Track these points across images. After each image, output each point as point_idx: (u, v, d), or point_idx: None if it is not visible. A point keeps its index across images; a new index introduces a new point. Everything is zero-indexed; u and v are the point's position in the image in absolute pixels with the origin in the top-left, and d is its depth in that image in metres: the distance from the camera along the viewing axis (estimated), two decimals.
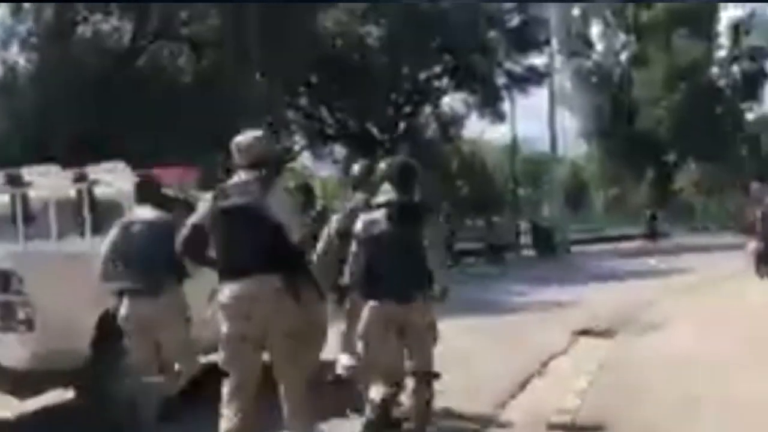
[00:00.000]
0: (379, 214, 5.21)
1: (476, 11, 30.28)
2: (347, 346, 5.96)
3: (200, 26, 24.38)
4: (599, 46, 50.46)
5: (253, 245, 4.54)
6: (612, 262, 24.83)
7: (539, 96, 39.20)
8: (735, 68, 48.33)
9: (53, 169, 7.34)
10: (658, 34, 46.82)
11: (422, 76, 32.92)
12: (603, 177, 54.60)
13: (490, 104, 32.41)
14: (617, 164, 52.02)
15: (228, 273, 4.63)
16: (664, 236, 38.52)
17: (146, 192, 6.36)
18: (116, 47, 23.88)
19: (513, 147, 37.52)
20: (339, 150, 35.18)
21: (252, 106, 25.08)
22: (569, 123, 50.91)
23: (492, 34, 32.31)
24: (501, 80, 33.15)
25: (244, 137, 4.86)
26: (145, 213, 6.15)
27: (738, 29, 47.44)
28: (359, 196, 6.10)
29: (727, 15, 48.22)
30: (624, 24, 49.02)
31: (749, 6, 47.18)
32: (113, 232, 6.10)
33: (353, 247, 5.28)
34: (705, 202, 55.45)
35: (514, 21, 32.42)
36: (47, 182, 7.07)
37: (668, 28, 46.29)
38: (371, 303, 5.15)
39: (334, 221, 6.11)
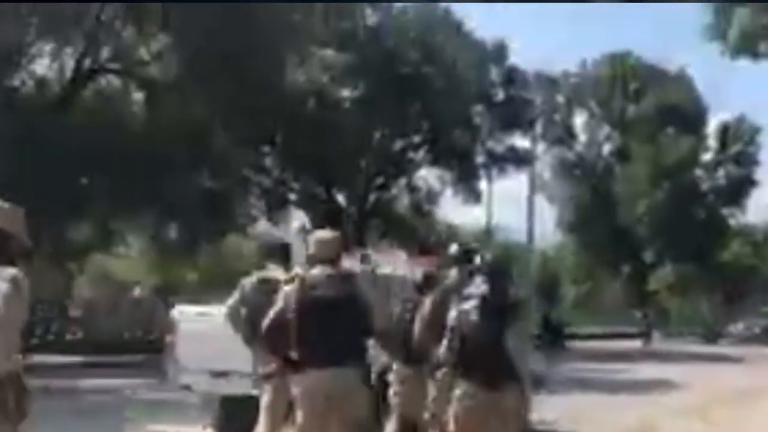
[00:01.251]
0: (470, 306, 5.49)
1: (461, 81, 28.37)
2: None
3: (158, 69, 22.21)
4: (582, 137, 48.93)
5: (343, 337, 5.01)
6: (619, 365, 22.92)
7: (517, 181, 37.26)
8: (720, 172, 46.76)
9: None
10: (643, 130, 45.42)
11: (398, 145, 30.76)
12: (577, 271, 52.48)
13: (466, 180, 30.22)
14: (593, 259, 50.11)
15: (313, 362, 4.97)
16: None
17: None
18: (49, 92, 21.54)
19: (488, 231, 35.45)
20: (300, 217, 32.85)
21: (209, 160, 22.89)
22: (548, 213, 49.22)
23: (477, 108, 30.41)
24: (480, 158, 31.09)
25: (324, 233, 5.59)
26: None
27: (726, 132, 46.08)
28: (453, 276, 6.54)
29: (716, 117, 46.67)
30: (609, 116, 47.63)
31: (738, 110, 46.05)
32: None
33: (447, 333, 5.56)
34: (680, 306, 53.73)
35: (499, 96, 30.43)
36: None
37: (655, 124, 44.97)
38: (463, 387, 5.37)
39: (428, 303, 6.45)
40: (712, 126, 46.76)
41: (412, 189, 31.37)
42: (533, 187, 36.04)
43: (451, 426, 5.34)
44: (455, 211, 52.69)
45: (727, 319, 55.39)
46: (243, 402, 7.11)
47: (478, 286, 5.51)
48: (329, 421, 4.92)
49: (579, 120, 48.65)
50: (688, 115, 44.72)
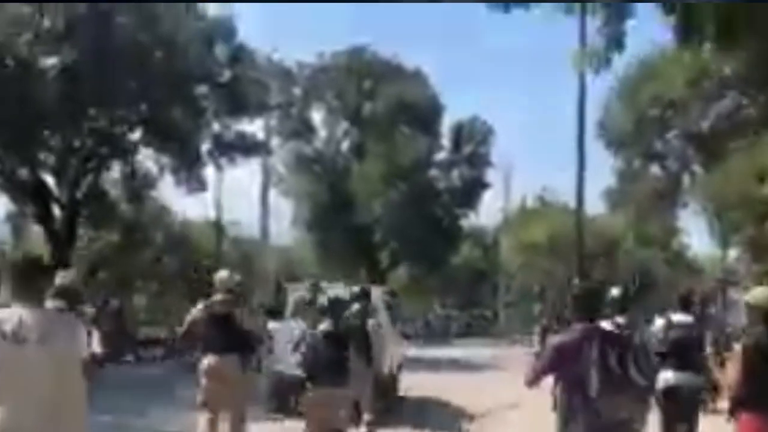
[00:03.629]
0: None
1: (183, 55, 25.34)
2: None
3: None
4: (322, 132, 47.29)
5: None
6: None
7: (249, 172, 34.60)
8: (455, 173, 46.80)
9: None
10: (379, 127, 44.54)
11: (112, 124, 27.02)
12: (315, 271, 50.70)
13: (188, 168, 27.14)
14: (331, 260, 48.65)
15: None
16: None
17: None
18: None
19: (218, 225, 32.77)
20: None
21: None
22: (284, 209, 47.15)
23: (201, 88, 27.41)
24: (206, 145, 28.12)
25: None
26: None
27: (460, 132, 46.21)
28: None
29: (451, 117, 46.59)
30: (347, 112, 46.28)
31: (472, 110, 46.41)
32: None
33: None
34: (413, 310, 53.85)
35: (226, 76, 27.58)
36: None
37: (390, 122, 44.21)
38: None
39: None
40: (447, 125, 46.81)
41: (128, 174, 27.64)
42: (267, 180, 33.77)
43: None
44: (180, 202, 49.04)
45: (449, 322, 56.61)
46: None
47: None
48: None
49: (317, 115, 47.03)
50: (423, 114, 44.34)
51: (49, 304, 5.16)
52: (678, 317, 8.67)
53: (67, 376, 4.35)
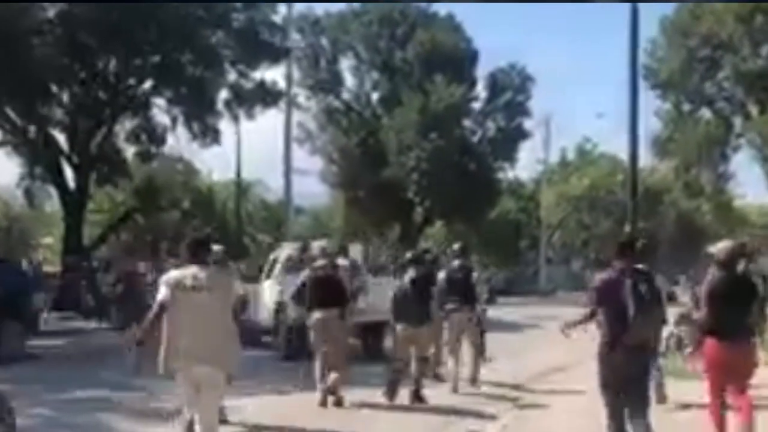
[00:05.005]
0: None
1: None
2: None
3: None
4: (351, 84, 45.32)
5: None
6: None
7: (276, 134, 32.77)
8: (491, 123, 44.55)
9: None
10: (412, 77, 42.48)
11: (123, 74, 25.34)
12: (346, 232, 49.00)
13: (202, 119, 25.42)
14: (361, 219, 46.93)
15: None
16: None
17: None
18: None
19: (239, 182, 31.15)
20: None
21: None
22: (313, 165, 45.48)
23: (216, 35, 25.58)
24: (223, 94, 26.34)
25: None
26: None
27: (496, 80, 43.92)
28: None
29: (486, 66, 44.25)
30: (379, 60, 44.19)
31: (509, 58, 44.05)
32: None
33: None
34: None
35: (241, 20, 25.66)
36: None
37: (423, 71, 42.09)
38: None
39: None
40: (482, 74, 44.52)
41: (141, 130, 25.88)
42: (289, 133, 31.98)
43: None
44: (196, 158, 47.69)
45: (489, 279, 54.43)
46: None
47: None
48: None
49: (346, 65, 45.06)
50: (457, 62, 42.12)
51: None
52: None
53: (225, 311, 6.36)
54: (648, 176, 55.81)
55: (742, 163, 50.22)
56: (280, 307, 15.78)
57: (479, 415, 10.07)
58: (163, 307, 6.23)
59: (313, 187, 47.90)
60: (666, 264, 20.21)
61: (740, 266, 9.41)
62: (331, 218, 52.34)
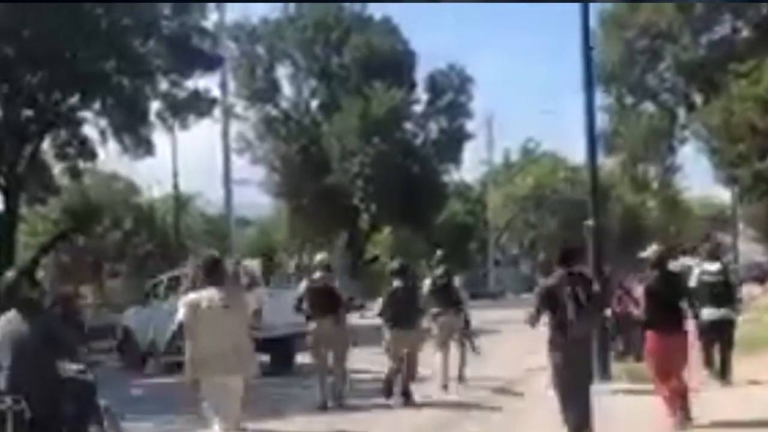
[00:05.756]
0: None
1: (122, 6, 22.38)
2: None
3: None
4: (289, 92, 44.36)
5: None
6: None
7: (212, 143, 31.59)
8: (433, 125, 43.96)
9: None
10: (350, 82, 41.70)
11: (48, 91, 23.94)
12: (291, 242, 47.96)
13: (134, 131, 24.18)
14: (307, 227, 45.93)
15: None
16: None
17: None
18: None
19: (177, 198, 29.93)
20: None
21: None
22: (255, 176, 44.38)
23: (149, 44, 24.38)
24: (155, 105, 25.13)
25: None
26: None
27: (436, 81, 43.35)
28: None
29: (426, 67, 43.58)
30: (316, 67, 43.32)
31: (448, 59, 43.47)
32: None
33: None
34: None
35: (171, 27, 24.48)
36: None
37: (362, 75, 41.38)
38: None
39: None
40: (421, 75, 43.94)
41: (65, 144, 24.44)
42: (227, 147, 30.88)
43: None
44: (134, 174, 46.26)
45: None
46: None
47: None
48: None
49: (283, 74, 44.10)
50: (395, 65, 41.50)
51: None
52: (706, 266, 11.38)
53: (241, 326, 7.05)
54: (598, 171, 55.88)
55: (689, 155, 50.45)
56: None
57: (478, 410, 10.82)
58: (182, 326, 6.98)
59: (256, 198, 46.85)
60: (614, 261, 19.82)
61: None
62: (276, 229, 51.19)
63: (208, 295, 6.89)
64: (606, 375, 11.61)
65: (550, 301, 7.49)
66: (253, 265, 18.07)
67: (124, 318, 19.83)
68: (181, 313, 6.92)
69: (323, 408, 11.19)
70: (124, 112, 23.53)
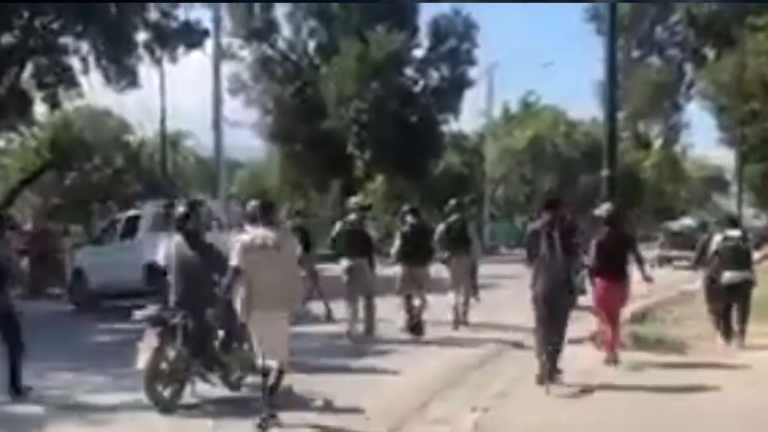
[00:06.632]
0: None
1: None
2: None
3: None
4: (287, 32, 42.91)
5: None
6: None
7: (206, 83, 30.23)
8: (434, 72, 42.58)
9: None
10: (350, 24, 40.33)
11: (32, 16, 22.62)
12: (283, 187, 46.83)
13: (119, 61, 22.92)
14: (300, 174, 44.84)
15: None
16: None
17: None
18: None
19: (163, 135, 28.76)
20: None
21: None
22: (248, 118, 43.20)
23: None
24: (142, 35, 23.84)
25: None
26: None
27: (439, 27, 41.91)
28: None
29: (429, 13, 42.25)
30: (315, 7, 41.82)
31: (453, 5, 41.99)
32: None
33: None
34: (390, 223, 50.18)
35: None
36: None
37: (362, 17, 40.00)
38: None
39: None
40: (424, 21, 42.51)
41: (45, 71, 23.15)
42: (218, 83, 29.62)
43: None
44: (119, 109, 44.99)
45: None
46: None
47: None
48: None
49: (281, 13, 42.61)
50: (398, 8, 40.07)
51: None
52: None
53: (289, 265, 7.60)
54: (593, 127, 54.77)
55: (694, 112, 49.45)
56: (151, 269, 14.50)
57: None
58: (237, 271, 7.40)
59: (248, 141, 45.73)
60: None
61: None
62: (268, 173, 50.08)
63: (262, 234, 7.45)
64: None
65: (533, 243, 8.82)
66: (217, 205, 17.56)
67: (75, 259, 18.92)
68: (233, 258, 7.41)
69: (353, 338, 12.02)
70: (108, 39, 22.28)
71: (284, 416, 7.36)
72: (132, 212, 17.63)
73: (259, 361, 7.39)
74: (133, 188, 40.38)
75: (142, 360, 7.79)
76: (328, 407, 7.98)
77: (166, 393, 7.91)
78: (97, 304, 17.47)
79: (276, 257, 7.35)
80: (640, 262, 10.06)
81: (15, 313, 9.09)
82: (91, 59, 22.93)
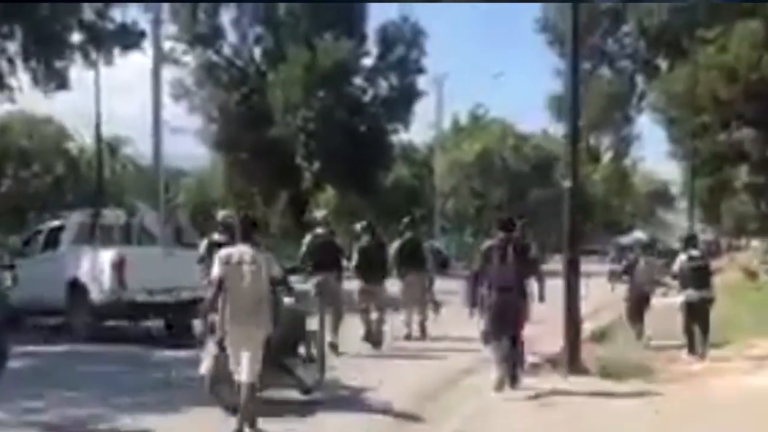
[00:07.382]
0: None
1: None
2: None
3: None
4: (232, 38, 41.84)
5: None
6: None
7: (140, 83, 28.95)
8: (383, 81, 41.81)
9: None
10: (297, 30, 39.43)
11: None
12: (228, 196, 45.58)
13: (48, 63, 21.74)
14: (247, 184, 43.71)
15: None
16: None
17: None
18: None
19: (98, 140, 27.47)
20: None
21: None
22: (192, 125, 41.99)
23: None
24: (76, 36, 22.67)
25: None
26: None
27: (387, 34, 41.19)
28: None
29: (378, 19, 41.56)
30: (261, 13, 40.87)
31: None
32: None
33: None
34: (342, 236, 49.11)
35: None
36: None
37: (310, 24, 39.14)
38: None
39: None
40: (373, 29, 41.76)
41: None
42: (158, 88, 28.42)
43: None
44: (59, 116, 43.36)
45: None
46: None
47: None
48: None
49: (226, 18, 41.53)
50: (346, 15, 39.29)
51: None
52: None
53: (263, 283, 7.46)
54: (544, 141, 54.61)
55: (645, 125, 49.47)
56: (74, 286, 13.99)
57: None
58: (221, 282, 7.40)
59: (192, 149, 44.51)
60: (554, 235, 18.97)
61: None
62: (213, 182, 48.83)
63: (237, 251, 7.52)
64: None
65: (487, 259, 9.15)
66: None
67: None
68: (215, 271, 7.47)
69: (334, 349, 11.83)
70: (37, 40, 21.06)
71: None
72: (55, 222, 16.27)
73: (236, 377, 7.42)
74: (72, 196, 39.09)
75: (205, 366, 8.16)
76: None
77: (227, 395, 8.01)
78: (21, 322, 16.21)
79: (251, 275, 7.40)
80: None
81: None
82: (19, 61, 21.63)
